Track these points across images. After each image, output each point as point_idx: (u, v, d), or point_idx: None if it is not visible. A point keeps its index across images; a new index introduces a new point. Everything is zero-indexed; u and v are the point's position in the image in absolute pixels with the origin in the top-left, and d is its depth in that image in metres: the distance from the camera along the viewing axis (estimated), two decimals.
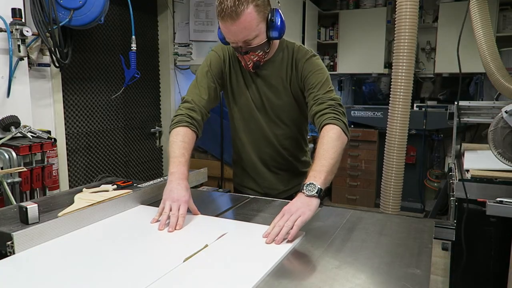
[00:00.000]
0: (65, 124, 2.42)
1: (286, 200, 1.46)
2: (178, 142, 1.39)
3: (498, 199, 1.74)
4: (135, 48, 2.48)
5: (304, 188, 1.13)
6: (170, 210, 1.18)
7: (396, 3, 2.67)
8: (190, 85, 1.55)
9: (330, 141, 1.26)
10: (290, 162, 1.65)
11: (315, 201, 1.12)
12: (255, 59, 1.42)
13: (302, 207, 1.10)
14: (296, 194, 1.17)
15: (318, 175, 1.16)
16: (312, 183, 1.13)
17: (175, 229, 1.13)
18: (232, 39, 1.35)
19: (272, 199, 1.48)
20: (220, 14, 1.28)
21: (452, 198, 2.13)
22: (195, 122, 1.45)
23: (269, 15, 1.34)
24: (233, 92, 1.59)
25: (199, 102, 1.49)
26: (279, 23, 1.35)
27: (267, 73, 1.52)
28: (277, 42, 1.49)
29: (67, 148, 2.46)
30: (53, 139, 1.97)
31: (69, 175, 2.44)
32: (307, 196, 1.12)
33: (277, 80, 1.53)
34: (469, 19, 2.25)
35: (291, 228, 1.05)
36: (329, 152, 1.22)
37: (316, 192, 1.12)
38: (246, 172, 1.70)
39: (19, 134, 1.89)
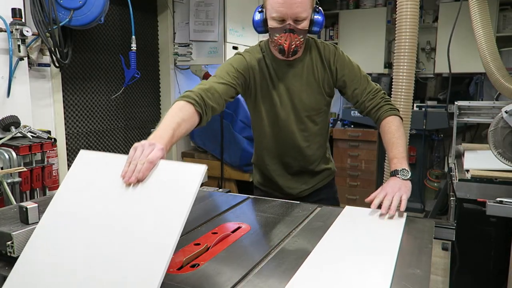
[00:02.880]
0: (65, 124, 2.42)
1: (286, 200, 1.46)
2: (176, 117, 1.15)
3: (498, 199, 1.74)
4: (135, 48, 2.48)
5: (399, 173, 1.34)
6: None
7: (397, 2, 2.67)
8: (208, 79, 1.43)
9: (397, 130, 1.46)
10: (312, 162, 1.66)
11: (410, 184, 1.33)
12: (297, 42, 1.41)
13: (402, 187, 1.30)
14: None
15: (403, 162, 1.38)
16: (405, 169, 1.35)
17: (136, 178, 0.91)
18: (285, 11, 1.35)
19: (272, 199, 1.48)
20: None
21: (452, 198, 2.13)
22: (205, 107, 1.25)
23: (317, 8, 1.43)
24: (256, 98, 1.56)
25: (218, 88, 1.34)
26: (321, 19, 1.44)
27: (298, 71, 1.53)
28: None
29: (67, 148, 2.46)
30: (53, 139, 1.97)
31: None
32: (403, 180, 1.33)
33: (310, 78, 1.54)
34: (467, 19, 2.25)
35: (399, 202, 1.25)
36: (401, 139, 1.44)
37: (409, 177, 1.34)
38: (267, 176, 1.69)
39: (19, 134, 1.89)
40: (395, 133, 1.45)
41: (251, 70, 1.50)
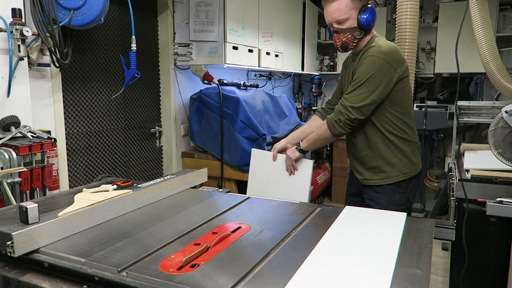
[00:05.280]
0: (65, 124, 2.42)
1: (286, 200, 1.46)
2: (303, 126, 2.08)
3: (498, 199, 1.74)
4: (135, 48, 2.48)
5: (299, 146, 1.85)
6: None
7: (397, 3, 2.67)
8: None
9: (317, 129, 1.84)
10: (359, 151, 1.89)
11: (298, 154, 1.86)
12: (343, 39, 1.70)
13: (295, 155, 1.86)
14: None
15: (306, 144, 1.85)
16: (303, 150, 1.85)
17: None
18: (326, 18, 1.70)
19: (270, 198, 1.48)
20: None
21: (452, 198, 2.14)
22: (323, 112, 2.06)
23: (363, 8, 1.65)
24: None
25: (333, 98, 2.09)
26: (365, 17, 1.64)
27: (353, 65, 1.79)
28: (368, 37, 1.75)
29: (67, 148, 2.46)
30: (53, 139, 1.97)
31: (69, 175, 2.44)
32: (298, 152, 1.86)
33: (350, 71, 1.81)
34: (469, 19, 2.25)
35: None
36: (315, 134, 1.84)
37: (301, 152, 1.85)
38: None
39: (19, 134, 1.89)
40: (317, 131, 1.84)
41: (344, 66, 1.98)
